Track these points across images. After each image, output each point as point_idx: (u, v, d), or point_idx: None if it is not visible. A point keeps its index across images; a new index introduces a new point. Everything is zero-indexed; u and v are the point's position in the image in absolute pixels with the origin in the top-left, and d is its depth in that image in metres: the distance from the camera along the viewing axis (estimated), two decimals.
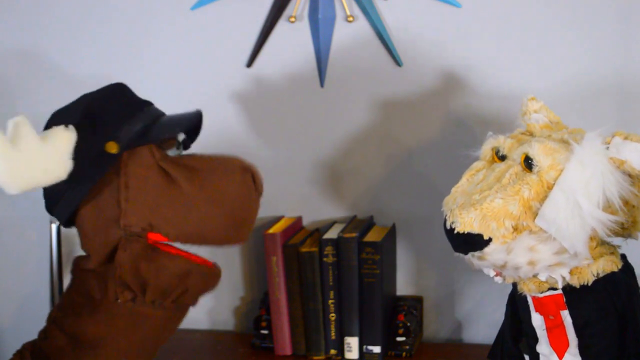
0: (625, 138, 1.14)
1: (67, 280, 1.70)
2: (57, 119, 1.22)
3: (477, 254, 1.17)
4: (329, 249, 1.62)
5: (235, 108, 1.78)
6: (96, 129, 1.20)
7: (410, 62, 1.69)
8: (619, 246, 1.25)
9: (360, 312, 1.62)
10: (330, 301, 1.63)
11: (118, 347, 1.25)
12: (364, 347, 1.63)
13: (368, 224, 1.71)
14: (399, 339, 1.65)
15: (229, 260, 1.80)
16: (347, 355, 1.64)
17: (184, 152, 1.31)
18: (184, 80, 1.79)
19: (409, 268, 1.77)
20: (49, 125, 1.22)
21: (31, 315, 1.89)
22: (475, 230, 1.15)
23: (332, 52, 1.71)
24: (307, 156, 1.77)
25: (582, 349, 1.20)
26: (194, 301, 1.29)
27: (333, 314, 1.64)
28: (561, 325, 1.21)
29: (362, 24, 1.69)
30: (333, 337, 1.65)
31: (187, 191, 1.21)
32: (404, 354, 1.64)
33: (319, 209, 1.79)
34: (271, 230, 1.67)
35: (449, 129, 1.70)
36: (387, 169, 1.74)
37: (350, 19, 1.68)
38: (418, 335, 1.71)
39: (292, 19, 1.70)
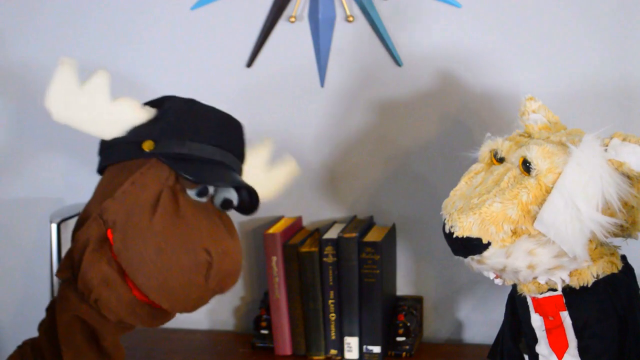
0: (624, 139, 1.14)
1: None
2: (161, 101, 1.28)
3: (476, 257, 1.17)
4: (329, 249, 1.62)
5: (235, 108, 1.77)
6: (156, 124, 1.23)
7: (410, 62, 1.69)
8: (619, 247, 1.25)
9: (360, 312, 1.62)
10: (330, 301, 1.63)
11: (61, 329, 1.23)
12: (364, 347, 1.63)
13: (368, 224, 1.71)
14: (399, 339, 1.65)
15: None
16: (347, 355, 1.64)
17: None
18: (183, 80, 1.79)
19: (409, 268, 1.77)
20: (150, 102, 1.28)
21: (31, 315, 1.89)
22: (474, 234, 1.15)
23: (332, 52, 1.71)
24: (307, 156, 1.77)
25: (582, 350, 1.20)
26: (112, 316, 1.20)
27: (333, 314, 1.64)
28: (561, 326, 1.21)
29: (362, 24, 1.69)
30: (333, 337, 1.65)
31: (154, 231, 1.16)
32: (404, 354, 1.64)
33: (319, 209, 1.79)
34: (271, 230, 1.67)
35: (449, 129, 1.70)
36: (387, 168, 1.74)
37: (350, 19, 1.68)
38: (418, 335, 1.71)
39: (292, 19, 1.70)
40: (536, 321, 1.24)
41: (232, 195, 1.25)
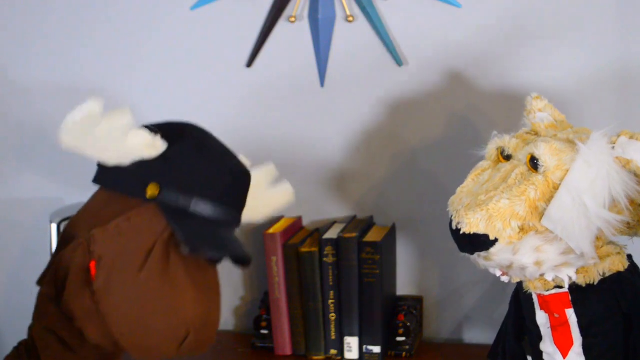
0: (631, 137, 1.14)
1: None
2: (168, 132, 1.18)
3: (483, 254, 1.17)
4: (329, 249, 1.62)
5: (235, 108, 1.78)
6: (163, 166, 1.16)
7: (411, 62, 1.69)
8: (625, 246, 1.25)
9: (360, 312, 1.62)
10: (330, 301, 1.63)
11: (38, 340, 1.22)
12: (364, 347, 1.63)
13: (368, 224, 1.71)
14: (399, 339, 1.65)
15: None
16: (347, 355, 1.64)
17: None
18: (184, 80, 1.79)
19: (409, 268, 1.77)
20: (160, 128, 1.20)
21: (31, 315, 1.89)
22: (481, 230, 1.15)
23: (332, 52, 1.71)
24: (307, 156, 1.77)
25: (586, 348, 1.20)
26: (94, 343, 1.18)
27: (333, 314, 1.64)
28: (566, 323, 1.21)
29: (362, 24, 1.69)
30: (333, 337, 1.65)
31: (139, 284, 1.14)
32: (404, 354, 1.64)
33: (319, 209, 1.79)
34: (271, 230, 1.67)
35: (449, 128, 1.70)
36: (387, 168, 1.74)
37: (350, 19, 1.68)
38: (418, 335, 1.71)
39: (292, 19, 1.70)
40: (541, 318, 1.24)
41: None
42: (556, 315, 1.22)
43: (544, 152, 1.15)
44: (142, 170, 1.16)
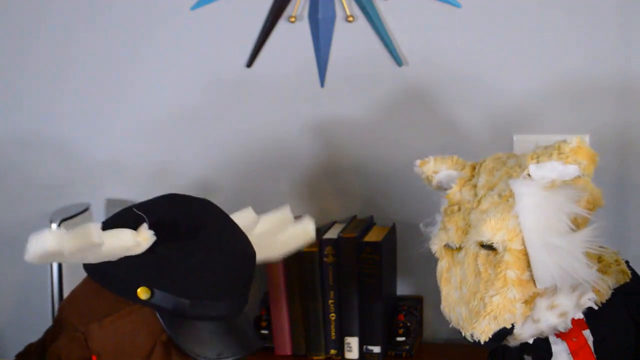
0: (537, 161, 1.12)
1: (66, 281, 1.70)
2: (164, 228, 1.09)
3: (510, 337, 1.18)
4: (329, 249, 1.62)
5: (235, 108, 1.78)
6: (154, 268, 1.09)
7: (411, 62, 1.69)
8: (618, 251, 1.25)
9: (360, 312, 1.62)
10: (330, 301, 1.63)
11: None
12: (364, 347, 1.63)
13: (368, 224, 1.71)
14: (399, 339, 1.65)
15: None
16: (347, 355, 1.64)
17: None
18: (184, 80, 1.78)
19: (409, 268, 1.77)
20: (142, 210, 1.11)
21: (31, 315, 1.89)
22: (495, 329, 1.16)
23: (332, 52, 1.71)
24: (307, 156, 1.77)
25: None
26: None
27: (333, 314, 1.64)
28: (585, 345, 1.20)
29: (362, 24, 1.69)
30: (333, 337, 1.65)
31: None
32: (404, 354, 1.64)
33: (319, 209, 1.79)
34: None
35: (449, 128, 1.70)
36: (387, 168, 1.74)
37: (350, 19, 1.68)
38: (418, 335, 1.71)
39: (292, 19, 1.70)
40: (554, 340, 1.23)
41: None
42: (574, 340, 1.21)
43: (490, 234, 1.13)
44: (131, 269, 1.09)
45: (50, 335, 1.18)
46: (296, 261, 1.64)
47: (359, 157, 1.75)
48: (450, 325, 1.24)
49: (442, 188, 1.30)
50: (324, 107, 1.74)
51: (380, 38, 1.68)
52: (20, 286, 1.94)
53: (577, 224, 1.13)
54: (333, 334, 1.64)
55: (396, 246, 1.76)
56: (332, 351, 1.65)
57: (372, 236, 1.65)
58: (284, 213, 1.30)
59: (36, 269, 1.89)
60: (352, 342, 1.64)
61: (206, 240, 1.11)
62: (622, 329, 1.19)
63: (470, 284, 1.19)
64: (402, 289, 1.78)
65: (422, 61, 1.68)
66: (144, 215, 1.09)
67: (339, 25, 1.70)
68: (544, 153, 1.13)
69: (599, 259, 1.19)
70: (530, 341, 1.22)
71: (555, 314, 1.16)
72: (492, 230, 1.13)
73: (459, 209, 1.24)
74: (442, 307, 1.25)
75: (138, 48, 1.79)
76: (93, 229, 1.04)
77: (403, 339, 1.65)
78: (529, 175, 1.13)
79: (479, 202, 1.19)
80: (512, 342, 1.20)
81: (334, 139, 1.75)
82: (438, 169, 1.28)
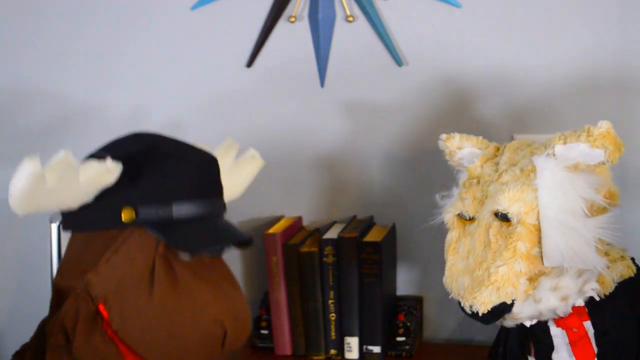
0: (564, 142, 1.14)
1: None
2: (118, 152, 1.14)
3: (507, 316, 1.18)
4: (329, 249, 1.62)
5: (235, 108, 1.78)
6: (129, 186, 1.13)
7: (410, 62, 1.69)
8: (625, 249, 1.25)
9: (360, 312, 1.62)
10: (330, 301, 1.63)
11: None
12: (364, 347, 1.63)
13: (368, 224, 1.71)
14: (399, 339, 1.65)
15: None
16: (347, 355, 1.64)
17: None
18: (184, 80, 1.79)
19: (409, 268, 1.77)
20: (107, 150, 1.16)
21: (30, 316, 1.89)
22: (496, 302, 1.15)
23: (332, 52, 1.71)
24: (307, 156, 1.77)
25: (600, 355, 1.20)
26: None
27: (333, 314, 1.64)
28: (585, 336, 1.20)
29: (362, 24, 1.69)
30: (333, 337, 1.65)
31: (155, 303, 1.12)
32: (404, 354, 1.64)
33: (319, 209, 1.79)
34: (271, 230, 1.67)
35: (449, 128, 1.70)
36: (387, 169, 1.74)
37: (350, 19, 1.68)
38: (418, 335, 1.71)
39: (292, 19, 1.70)
40: (556, 333, 1.23)
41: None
42: (575, 330, 1.21)
43: (507, 204, 1.14)
44: (109, 200, 1.13)
45: (53, 308, 1.20)
46: (296, 261, 1.64)
47: (359, 156, 1.75)
48: (450, 296, 1.23)
49: (462, 165, 1.30)
50: (324, 107, 1.75)
51: (380, 38, 1.68)
52: (20, 286, 1.94)
53: (593, 211, 1.13)
54: (333, 334, 1.64)
55: (396, 246, 1.76)
56: (332, 351, 1.65)
57: (372, 236, 1.65)
58: (229, 144, 1.36)
59: (36, 269, 1.90)
60: (352, 342, 1.64)
61: (169, 152, 1.16)
62: (625, 323, 1.19)
63: (478, 254, 1.19)
64: (402, 289, 1.78)
65: (422, 61, 1.68)
66: (105, 153, 1.14)
67: (339, 25, 1.70)
68: (571, 135, 1.14)
69: (606, 254, 1.19)
70: (527, 323, 1.22)
71: (557, 296, 1.16)
72: (509, 200, 1.14)
73: (478, 182, 1.25)
74: (444, 278, 1.25)
75: (138, 48, 1.79)
76: (67, 154, 1.07)
77: (403, 339, 1.65)
78: (553, 154, 1.13)
79: (500, 175, 1.20)
80: (509, 321, 1.19)
81: (334, 139, 1.75)
82: (462, 146, 1.29)
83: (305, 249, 1.64)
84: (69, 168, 1.07)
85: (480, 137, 1.30)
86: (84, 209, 1.13)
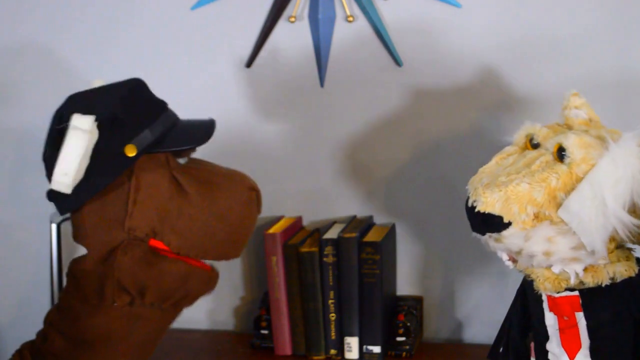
0: None
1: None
2: (79, 107, 1.21)
3: (494, 235, 1.16)
4: (329, 249, 1.62)
5: (235, 108, 1.78)
6: (117, 130, 1.20)
7: (410, 62, 1.69)
8: (633, 250, 1.25)
9: (360, 312, 1.62)
10: (330, 301, 1.63)
11: (116, 349, 1.25)
12: (364, 347, 1.63)
13: (368, 224, 1.71)
14: (399, 339, 1.65)
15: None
16: (347, 355, 1.64)
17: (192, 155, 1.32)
18: (183, 80, 1.79)
19: (409, 268, 1.77)
20: (68, 110, 1.21)
21: (31, 315, 1.89)
22: (496, 211, 1.14)
23: (332, 52, 1.71)
24: (307, 156, 1.77)
25: (593, 351, 1.19)
26: (192, 303, 1.30)
27: (333, 314, 1.64)
28: (575, 326, 1.20)
29: (362, 24, 1.69)
30: (333, 337, 1.65)
31: (196, 204, 1.22)
32: (404, 354, 1.64)
33: (319, 209, 1.79)
34: (271, 230, 1.67)
35: (449, 128, 1.70)
36: (387, 168, 1.74)
37: (350, 19, 1.68)
38: (418, 335, 1.71)
39: (292, 19, 1.70)
40: (550, 319, 1.23)
41: None
42: (565, 318, 1.21)
43: (573, 143, 1.14)
44: (108, 148, 1.19)
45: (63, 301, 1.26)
46: (296, 261, 1.64)
47: (359, 157, 1.75)
48: (467, 187, 1.22)
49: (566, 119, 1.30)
50: (324, 107, 1.75)
51: (380, 38, 1.68)
52: (20, 286, 1.94)
53: (631, 211, 1.12)
54: (333, 334, 1.64)
55: (396, 246, 1.76)
56: (332, 351, 1.65)
57: (372, 236, 1.65)
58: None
59: (36, 269, 1.90)
60: (352, 342, 1.64)
61: (112, 91, 1.28)
62: (621, 321, 1.19)
63: (515, 168, 1.19)
64: (402, 289, 1.78)
65: (422, 61, 1.68)
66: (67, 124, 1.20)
67: (339, 25, 1.70)
68: None
69: (613, 251, 1.19)
70: (504, 257, 1.23)
71: (544, 247, 1.15)
72: (577, 143, 1.14)
73: (566, 128, 1.25)
74: (472, 178, 1.23)
75: (138, 48, 1.79)
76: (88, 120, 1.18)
77: (403, 339, 1.65)
78: None
79: (587, 131, 1.20)
80: (492, 244, 1.18)
81: (334, 139, 1.75)
82: (581, 107, 1.28)
83: (305, 249, 1.64)
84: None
85: (599, 117, 1.29)
86: (91, 172, 1.18)
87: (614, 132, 1.21)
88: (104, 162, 1.19)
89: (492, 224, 1.15)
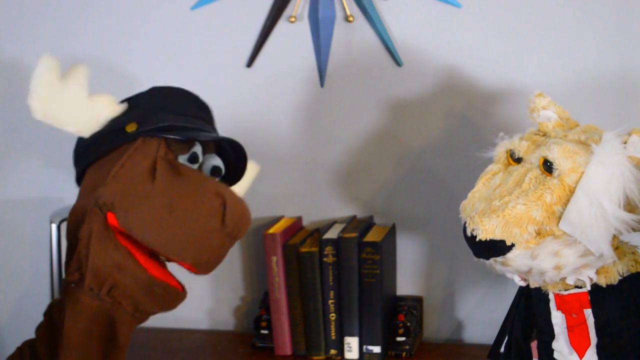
0: None
1: None
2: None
3: (500, 259, 1.16)
4: (329, 249, 1.62)
5: (235, 108, 1.78)
6: (132, 111, 1.27)
7: (410, 62, 1.69)
8: (637, 246, 1.25)
9: (360, 312, 1.62)
10: (330, 301, 1.63)
11: (73, 335, 1.20)
12: (364, 347, 1.63)
13: (368, 224, 1.71)
14: (399, 339, 1.65)
15: (229, 260, 1.79)
16: (347, 355, 1.64)
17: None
18: (183, 80, 1.78)
19: (409, 268, 1.77)
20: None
21: (31, 315, 1.89)
22: (497, 236, 1.13)
23: (332, 52, 1.71)
24: (307, 156, 1.77)
25: (600, 348, 1.19)
26: (129, 302, 1.21)
27: (333, 314, 1.64)
28: (584, 324, 1.20)
29: (362, 24, 1.69)
30: (333, 337, 1.65)
31: (159, 191, 1.20)
32: (404, 354, 1.64)
33: (319, 209, 1.79)
34: (271, 230, 1.67)
35: (449, 128, 1.70)
36: (387, 168, 1.74)
37: (350, 19, 1.68)
38: (418, 335, 1.71)
39: (292, 19, 1.70)
40: (557, 318, 1.22)
41: (219, 162, 1.31)
42: (574, 316, 1.20)
43: (558, 155, 1.14)
44: (115, 122, 1.26)
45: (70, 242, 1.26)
46: (296, 261, 1.64)
47: (359, 157, 1.75)
48: (460, 216, 1.21)
49: (536, 124, 1.30)
50: (324, 107, 1.75)
51: (380, 38, 1.68)
52: (20, 285, 1.94)
53: (628, 209, 1.13)
54: (333, 334, 1.64)
55: (396, 246, 1.76)
56: (332, 351, 1.65)
57: (372, 236, 1.65)
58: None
59: (36, 269, 1.90)
60: (352, 342, 1.64)
61: (163, 87, 1.36)
62: (627, 318, 1.19)
63: (506, 189, 1.18)
64: (402, 289, 1.78)
65: (422, 61, 1.68)
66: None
67: (339, 25, 1.70)
68: None
69: (617, 248, 1.19)
70: (515, 279, 1.23)
71: (553, 262, 1.14)
72: (562, 153, 1.14)
73: (543, 136, 1.25)
74: (463, 202, 1.23)
75: (138, 48, 1.79)
76: (83, 67, 1.24)
77: (403, 339, 1.65)
78: (625, 141, 1.13)
79: (566, 136, 1.21)
80: (498, 268, 1.18)
81: (334, 139, 1.75)
82: (548, 107, 1.28)
83: (305, 249, 1.64)
84: (84, 79, 1.21)
85: (567, 113, 1.29)
86: (95, 139, 1.25)
87: (590, 130, 1.21)
88: (107, 135, 1.25)
89: (496, 248, 1.14)
